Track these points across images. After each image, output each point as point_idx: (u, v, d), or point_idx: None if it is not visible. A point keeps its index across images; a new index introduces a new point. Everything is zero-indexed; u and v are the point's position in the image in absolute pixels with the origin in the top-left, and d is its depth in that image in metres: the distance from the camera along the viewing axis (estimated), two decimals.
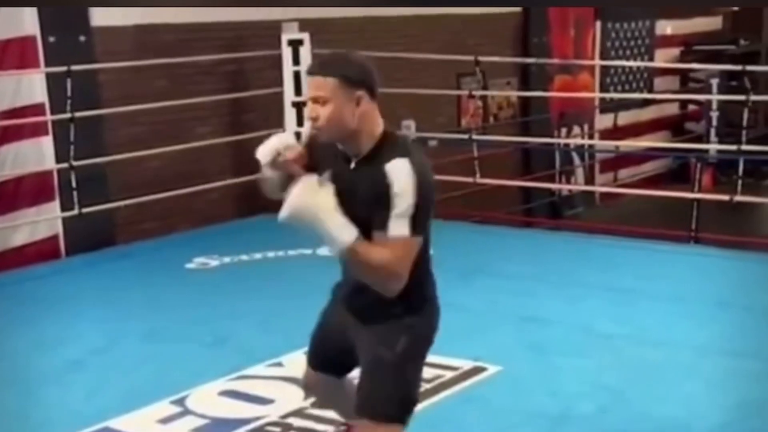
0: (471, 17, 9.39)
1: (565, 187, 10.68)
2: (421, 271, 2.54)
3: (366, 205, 2.44)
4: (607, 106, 11.28)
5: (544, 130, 10.28)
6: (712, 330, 4.53)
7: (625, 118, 11.66)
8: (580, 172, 11.36)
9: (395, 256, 2.41)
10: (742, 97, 7.18)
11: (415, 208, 2.40)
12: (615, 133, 11.36)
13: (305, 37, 7.19)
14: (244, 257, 6.10)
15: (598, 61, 11.10)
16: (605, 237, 6.73)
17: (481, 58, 7.15)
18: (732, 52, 12.06)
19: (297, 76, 7.17)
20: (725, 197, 6.56)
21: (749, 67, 8.62)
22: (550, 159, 10.66)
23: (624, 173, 11.74)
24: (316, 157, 2.67)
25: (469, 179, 7.30)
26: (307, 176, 2.50)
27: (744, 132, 7.05)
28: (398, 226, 2.41)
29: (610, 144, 11.06)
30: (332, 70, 2.49)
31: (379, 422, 2.52)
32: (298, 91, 7.19)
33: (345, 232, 2.41)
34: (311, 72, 2.54)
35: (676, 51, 12.65)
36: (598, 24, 11.21)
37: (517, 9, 10.21)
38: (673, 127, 12.75)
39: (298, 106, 7.21)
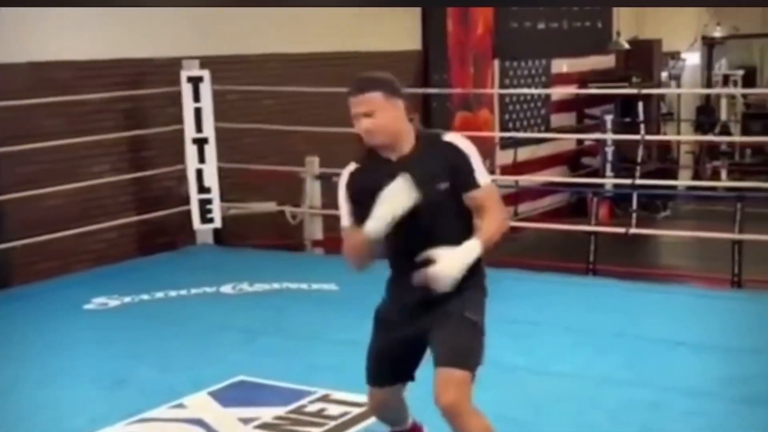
0: (374, 54, 9.48)
1: None
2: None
3: (438, 177, 2.90)
4: (507, 142, 11.49)
5: None
6: (611, 360, 4.61)
7: (524, 153, 11.89)
8: None
9: (496, 204, 2.96)
10: (637, 137, 7.40)
11: (481, 162, 2.94)
12: (515, 168, 11.56)
13: (205, 74, 7.15)
14: (145, 297, 5.98)
15: (511, 90, 11.31)
16: (506, 270, 6.81)
17: None
18: (625, 90, 12.43)
19: (197, 112, 7.11)
20: (621, 230, 6.74)
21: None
22: None
23: (524, 207, 11.93)
24: (358, 192, 3.01)
25: None
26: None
27: (638, 167, 7.26)
28: (482, 177, 2.94)
29: (510, 179, 11.26)
30: (374, 87, 2.95)
31: (467, 372, 2.90)
32: (198, 127, 7.13)
33: (473, 245, 2.86)
34: (354, 93, 2.97)
35: (572, 88, 12.99)
36: (496, 62, 11.46)
37: (418, 47, 10.37)
38: (571, 162, 13.06)
39: (199, 143, 7.15)
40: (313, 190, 7.71)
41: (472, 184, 2.93)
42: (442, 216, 2.93)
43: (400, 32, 10.14)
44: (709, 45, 15.85)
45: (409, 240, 2.90)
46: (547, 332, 5.05)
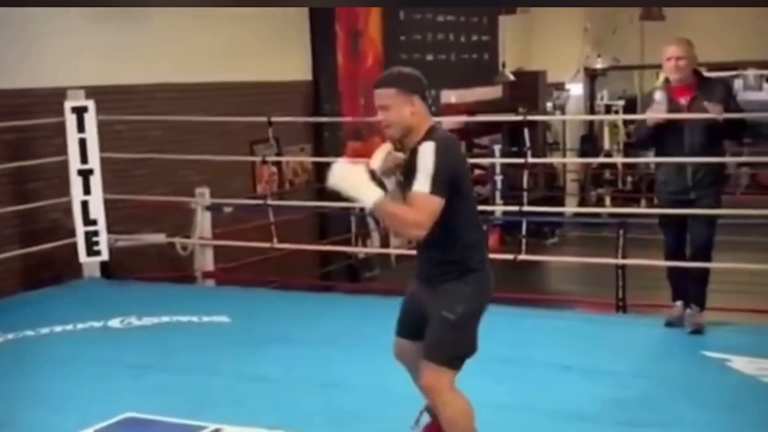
0: (263, 84, 9.48)
1: (361, 251, 10.84)
2: (467, 236, 3.39)
3: (414, 174, 3.24)
4: None
5: (340, 195, 10.40)
6: (504, 387, 4.67)
7: None
8: (375, 236, 11.58)
9: (415, 207, 3.21)
10: (521, 160, 7.57)
11: (433, 172, 3.19)
12: None
13: (90, 104, 7.01)
14: (30, 333, 5.79)
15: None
16: (401, 298, 6.85)
17: (274, 119, 7.22)
18: (511, 120, 12.71)
19: (82, 143, 6.97)
20: (510, 256, 6.85)
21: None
22: (346, 223, 10.81)
23: None
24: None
25: (267, 244, 7.29)
26: (343, 160, 3.40)
27: (525, 194, 7.42)
28: (418, 185, 3.22)
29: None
30: (390, 83, 3.35)
31: (441, 365, 3.36)
32: (84, 158, 6.98)
33: (370, 194, 3.21)
34: (375, 86, 3.37)
35: (461, 118, 13.19)
36: None
37: (308, 78, 10.40)
38: None
39: (85, 174, 6.99)
40: (204, 221, 7.62)
41: (412, 183, 3.26)
42: None
43: (290, 63, 10.16)
44: (591, 76, 16.39)
45: None
46: None
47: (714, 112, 5.27)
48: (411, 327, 3.61)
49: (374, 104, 3.42)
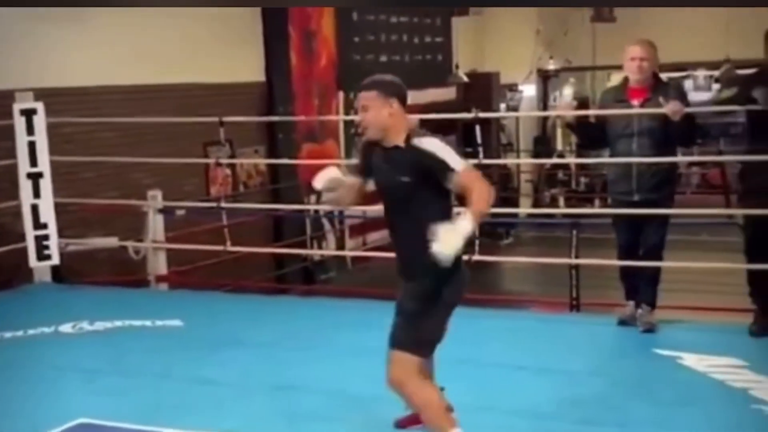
0: (216, 86, 9.41)
1: (316, 253, 10.81)
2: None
3: (409, 174, 3.50)
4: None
5: (294, 197, 10.41)
6: (457, 387, 4.66)
7: (371, 184, 12.02)
8: (330, 238, 11.56)
9: (473, 180, 3.44)
10: (475, 161, 7.58)
11: (454, 153, 3.48)
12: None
13: (39, 106, 6.91)
14: None
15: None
16: (357, 300, 6.85)
17: (225, 119, 7.15)
18: (466, 120, 12.77)
19: (32, 146, 6.86)
20: (465, 257, 6.86)
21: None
22: (300, 225, 10.78)
23: (373, 236, 12.05)
24: (368, 157, 3.75)
25: (220, 248, 7.24)
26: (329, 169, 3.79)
27: None
28: (455, 164, 3.45)
29: (359, 208, 11.33)
30: (372, 86, 3.60)
31: (404, 352, 3.53)
32: (33, 162, 6.88)
33: (467, 227, 3.32)
34: (360, 89, 3.61)
35: (415, 118, 13.22)
36: (341, 94, 11.57)
37: (261, 79, 10.35)
38: None
39: (34, 178, 6.89)
40: (156, 224, 7.55)
41: (448, 172, 3.45)
42: (407, 202, 3.55)
43: (243, 64, 10.10)
44: (544, 77, 16.51)
45: (387, 216, 3.70)
46: None
47: (671, 109, 5.29)
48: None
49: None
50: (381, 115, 3.56)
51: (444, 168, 3.46)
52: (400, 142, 3.58)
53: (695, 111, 5.56)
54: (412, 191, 3.54)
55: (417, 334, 3.55)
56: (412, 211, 3.57)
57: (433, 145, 3.51)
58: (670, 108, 5.28)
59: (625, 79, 5.56)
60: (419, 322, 3.55)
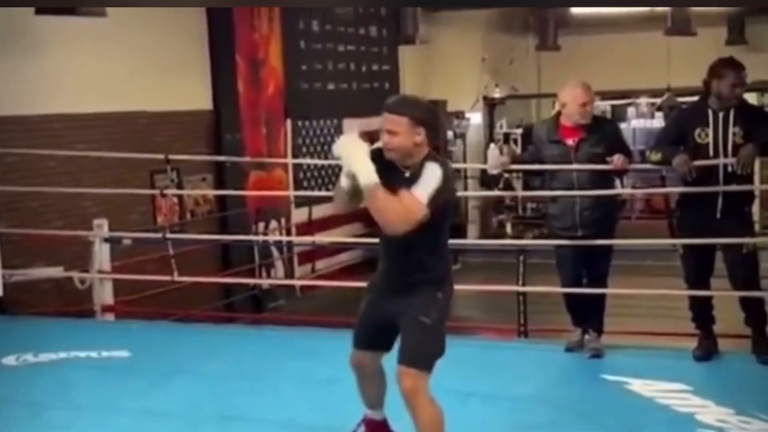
0: (162, 114, 9.36)
1: (264, 282, 10.75)
2: (445, 253, 3.68)
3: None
4: (302, 201, 11.58)
5: (242, 224, 10.36)
6: (405, 414, 4.67)
7: (319, 211, 12.00)
8: (279, 265, 11.51)
9: (406, 205, 3.38)
10: None
11: (435, 192, 3.41)
12: (311, 225, 11.65)
13: None
14: None
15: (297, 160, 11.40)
16: (306, 328, 6.83)
17: (171, 157, 7.11)
18: None
19: None
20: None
21: None
22: (249, 253, 10.72)
23: (322, 264, 12.04)
24: (377, 162, 3.51)
25: (167, 277, 7.17)
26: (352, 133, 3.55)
27: None
28: (419, 191, 3.41)
29: (307, 238, 11.33)
30: (403, 111, 3.51)
31: (421, 370, 3.53)
32: None
33: (369, 174, 3.34)
34: (386, 110, 3.52)
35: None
36: (289, 122, 11.57)
37: (209, 107, 10.32)
38: (365, 219, 13.24)
39: None
40: (102, 254, 7.46)
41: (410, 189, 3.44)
42: None
43: (189, 91, 10.06)
44: (490, 105, 16.69)
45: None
46: (347, 389, 5.05)
47: (616, 165, 5.39)
48: (372, 338, 3.78)
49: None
50: (407, 143, 3.52)
51: (400, 185, 3.48)
52: (414, 166, 3.55)
53: (636, 168, 5.64)
54: None
55: (434, 353, 3.60)
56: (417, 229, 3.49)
57: (429, 170, 3.49)
58: (615, 165, 5.39)
59: (557, 115, 5.62)
60: (434, 338, 3.60)
